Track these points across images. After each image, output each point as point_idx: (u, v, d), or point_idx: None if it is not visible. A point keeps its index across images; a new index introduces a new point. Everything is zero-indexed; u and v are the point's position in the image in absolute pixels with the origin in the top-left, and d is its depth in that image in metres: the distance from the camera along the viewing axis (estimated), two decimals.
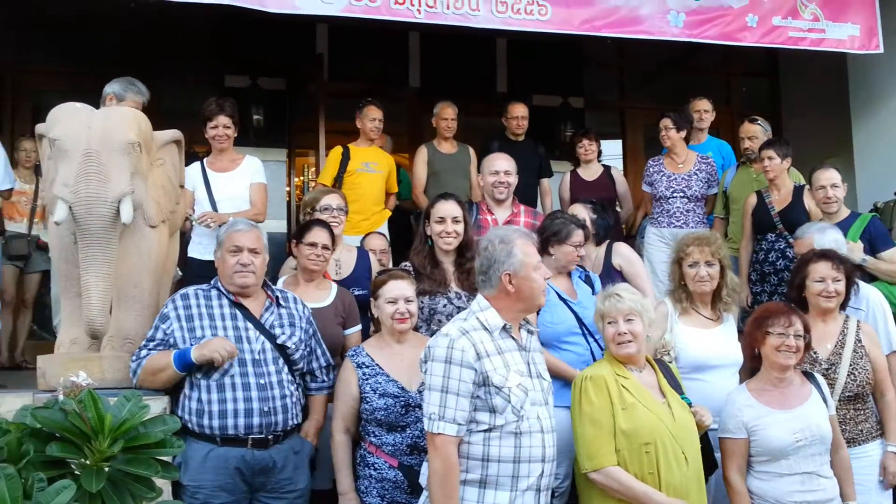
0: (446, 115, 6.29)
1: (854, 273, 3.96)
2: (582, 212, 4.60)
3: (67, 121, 3.49)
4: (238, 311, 3.47)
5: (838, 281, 3.82)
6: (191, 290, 3.53)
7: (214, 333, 3.37)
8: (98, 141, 3.43)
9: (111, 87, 4.79)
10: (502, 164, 4.91)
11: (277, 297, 3.60)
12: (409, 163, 6.55)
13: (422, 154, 6.28)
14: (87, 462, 2.47)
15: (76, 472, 2.46)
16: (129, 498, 2.49)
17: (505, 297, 2.92)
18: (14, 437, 2.43)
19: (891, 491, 3.84)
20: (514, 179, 4.92)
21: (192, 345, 3.32)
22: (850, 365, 3.75)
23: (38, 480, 2.25)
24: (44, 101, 7.27)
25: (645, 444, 3.04)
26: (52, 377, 3.50)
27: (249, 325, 3.45)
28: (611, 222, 4.78)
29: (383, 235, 5.62)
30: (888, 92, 6.86)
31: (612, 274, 4.43)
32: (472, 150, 6.37)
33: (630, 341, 3.24)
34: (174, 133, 4.03)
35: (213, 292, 3.51)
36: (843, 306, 3.92)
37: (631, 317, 3.26)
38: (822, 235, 4.37)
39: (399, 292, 3.55)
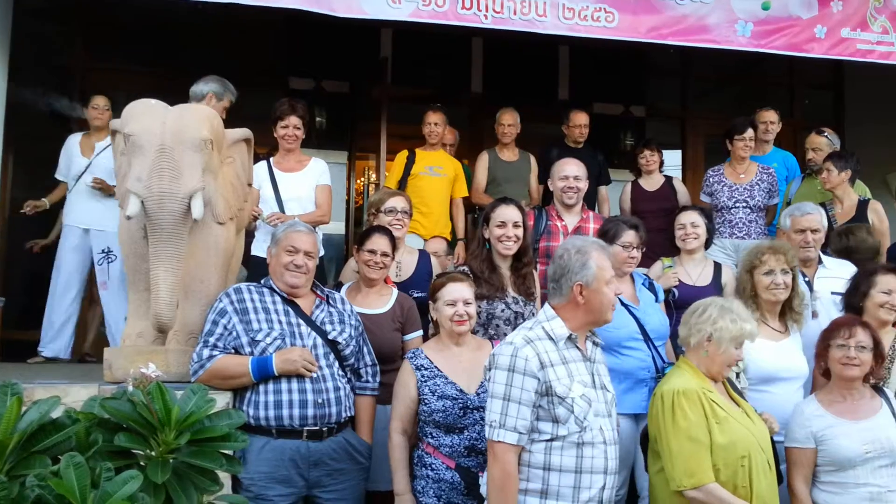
0: (504, 120, 6.35)
1: None
2: (699, 218, 4.70)
3: (142, 117, 3.55)
4: (290, 308, 3.55)
5: None
6: (243, 285, 3.62)
7: (270, 327, 3.44)
8: (172, 137, 3.49)
9: (208, 87, 4.95)
10: (572, 170, 4.90)
11: (327, 297, 3.69)
12: (471, 167, 6.58)
13: (483, 160, 6.36)
14: (154, 453, 2.50)
15: (142, 464, 2.49)
16: (193, 490, 2.51)
17: (573, 308, 2.91)
18: (82, 427, 2.47)
19: None
20: (583, 185, 4.91)
21: (250, 338, 3.40)
22: None
23: (105, 470, 2.28)
24: (112, 101, 7.46)
25: (741, 458, 3.02)
26: (118, 369, 3.57)
27: (301, 321, 3.52)
28: (714, 226, 4.83)
29: (444, 239, 5.65)
30: None
31: (717, 291, 4.46)
32: (532, 158, 6.39)
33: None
34: (244, 131, 4.07)
35: (266, 289, 3.58)
36: None
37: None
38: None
39: (458, 294, 3.54)
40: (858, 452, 3.32)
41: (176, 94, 4.60)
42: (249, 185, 4.21)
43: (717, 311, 3.21)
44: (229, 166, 3.92)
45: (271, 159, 5.19)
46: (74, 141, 5.78)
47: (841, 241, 4.89)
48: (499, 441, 2.75)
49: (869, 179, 6.13)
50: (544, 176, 5.86)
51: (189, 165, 3.51)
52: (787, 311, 3.94)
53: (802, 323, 3.97)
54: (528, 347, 2.80)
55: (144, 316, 3.66)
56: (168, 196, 3.43)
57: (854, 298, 4.00)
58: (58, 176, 5.81)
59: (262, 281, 3.65)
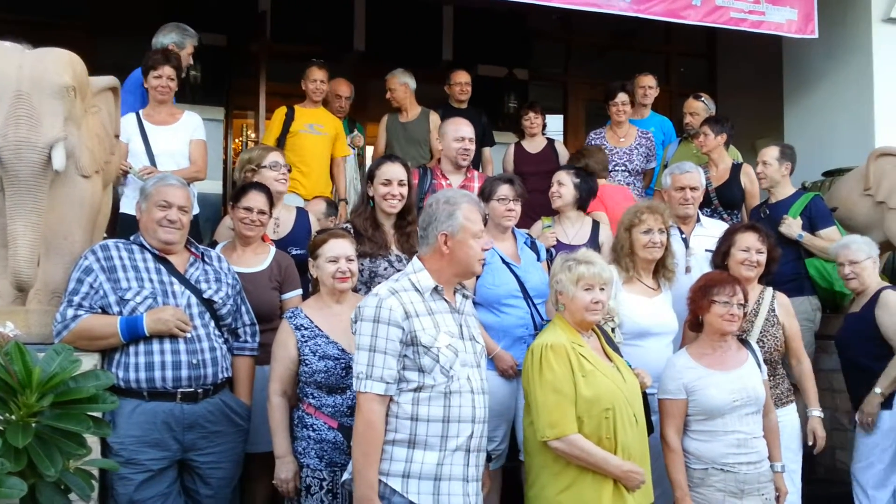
0: (388, 85, 6.37)
1: (776, 249, 4.21)
2: (565, 177, 4.68)
3: None
4: (162, 266, 3.41)
5: (761, 252, 4.08)
6: (110, 242, 3.44)
7: (140, 285, 3.30)
8: (30, 82, 3.24)
9: (168, 38, 5.03)
10: (467, 131, 4.89)
11: (202, 254, 3.57)
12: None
13: (382, 124, 6.43)
14: (14, 417, 2.40)
15: (0, 428, 2.37)
16: (58, 454, 2.43)
17: (439, 259, 2.91)
18: None
19: (800, 453, 4.09)
20: (473, 146, 4.93)
21: (118, 297, 3.25)
22: (761, 332, 4.00)
23: None
24: None
25: (605, 410, 3.09)
26: None
27: (174, 279, 3.40)
28: (594, 187, 4.83)
29: (324, 200, 5.56)
30: (819, 77, 7.00)
31: (594, 249, 4.48)
32: (434, 115, 6.33)
33: (600, 310, 3.29)
34: (110, 80, 3.86)
35: (135, 247, 3.43)
36: (763, 279, 4.17)
37: (605, 286, 3.29)
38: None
39: (340, 251, 3.48)
40: (727, 401, 3.48)
41: (41, 43, 4.33)
42: (116, 137, 4.00)
43: (558, 265, 3.32)
44: (94, 116, 3.69)
45: (140, 112, 4.93)
46: None
47: (580, 161, 5.19)
48: (366, 392, 2.76)
49: (739, 144, 6.40)
50: None
51: (49, 113, 3.26)
52: (661, 269, 4.08)
53: (674, 281, 4.12)
54: (393, 298, 2.80)
55: (2, 274, 3.41)
56: (26, 145, 3.18)
57: (718, 258, 4.19)
58: None
59: (132, 238, 3.48)
